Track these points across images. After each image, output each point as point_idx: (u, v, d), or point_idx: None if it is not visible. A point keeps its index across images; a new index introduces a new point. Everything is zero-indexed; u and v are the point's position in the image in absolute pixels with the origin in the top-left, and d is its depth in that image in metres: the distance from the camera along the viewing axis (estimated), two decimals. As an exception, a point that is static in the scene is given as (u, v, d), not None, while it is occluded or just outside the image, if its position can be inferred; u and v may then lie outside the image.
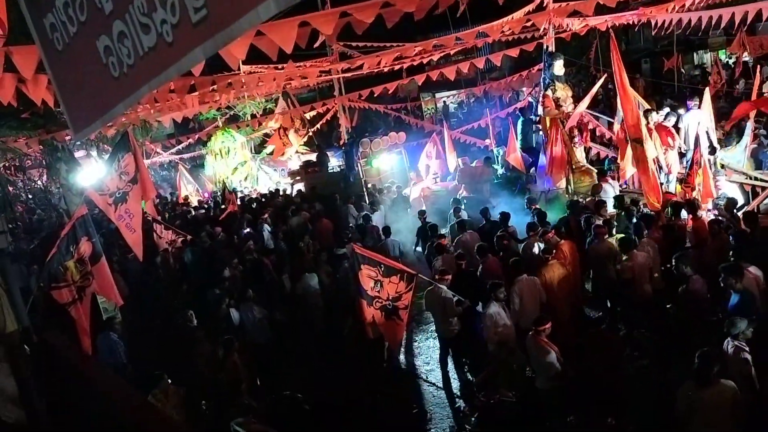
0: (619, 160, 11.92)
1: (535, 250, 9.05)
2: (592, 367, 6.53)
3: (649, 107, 12.09)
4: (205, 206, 19.03)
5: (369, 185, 16.51)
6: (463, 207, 12.05)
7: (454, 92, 31.23)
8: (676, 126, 11.75)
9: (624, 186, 12.48)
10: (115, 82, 2.33)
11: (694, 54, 29.63)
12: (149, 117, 17.37)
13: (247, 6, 1.58)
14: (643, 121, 10.07)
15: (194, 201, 21.02)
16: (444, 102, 34.13)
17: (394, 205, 14.77)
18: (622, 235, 8.67)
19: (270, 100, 26.16)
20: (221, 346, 7.83)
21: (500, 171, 15.94)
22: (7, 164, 17.07)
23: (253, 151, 25.00)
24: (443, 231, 11.45)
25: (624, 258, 8.06)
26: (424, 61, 18.33)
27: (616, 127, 11.97)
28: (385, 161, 18.25)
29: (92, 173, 15.92)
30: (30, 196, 25.19)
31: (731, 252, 7.42)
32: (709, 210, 9.94)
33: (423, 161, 17.46)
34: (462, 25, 18.33)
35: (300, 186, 18.90)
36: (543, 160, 13.65)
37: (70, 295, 7.66)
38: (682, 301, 7.18)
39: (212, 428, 7.34)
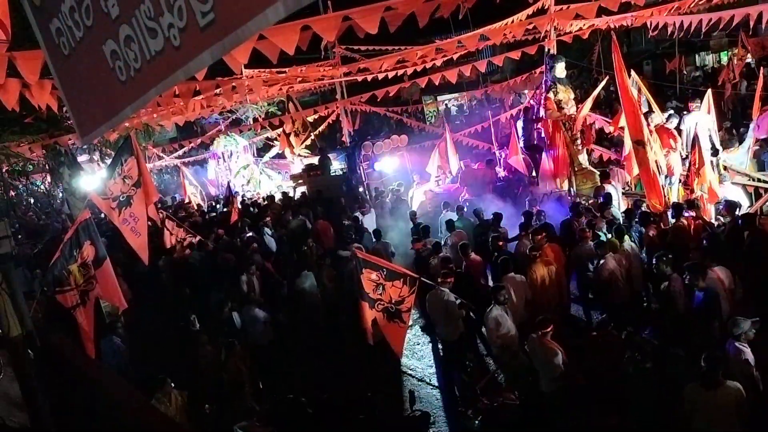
0: (622, 161, 11.94)
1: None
2: (593, 369, 6.56)
3: (653, 109, 12.10)
4: (206, 209, 19.11)
5: (360, 188, 16.52)
6: (449, 209, 12.33)
7: (456, 95, 31.24)
8: (677, 128, 11.74)
9: (626, 189, 12.47)
10: (122, 86, 2.33)
11: (696, 56, 29.62)
12: (152, 121, 17.39)
13: (256, 9, 1.58)
14: (644, 123, 10.09)
15: (195, 203, 21.10)
16: (446, 105, 34.15)
17: (396, 207, 14.80)
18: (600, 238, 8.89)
19: (272, 103, 26.21)
20: (223, 349, 7.85)
21: (502, 173, 15.93)
22: (10, 168, 17.07)
23: (255, 154, 25.07)
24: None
25: (601, 261, 8.26)
26: (427, 65, 18.34)
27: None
28: (387, 164, 18.26)
29: (95, 178, 15.95)
30: (32, 201, 25.23)
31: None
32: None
33: (434, 162, 17.46)
34: (463, 27, 18.34)
35: (302, 189, 18.93)
36: (546, 161, 13.64)
37: (74, 299, 7.68)
38: (663, 300, 7.47)
39: (215, 431, 7.34)
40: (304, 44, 7.20)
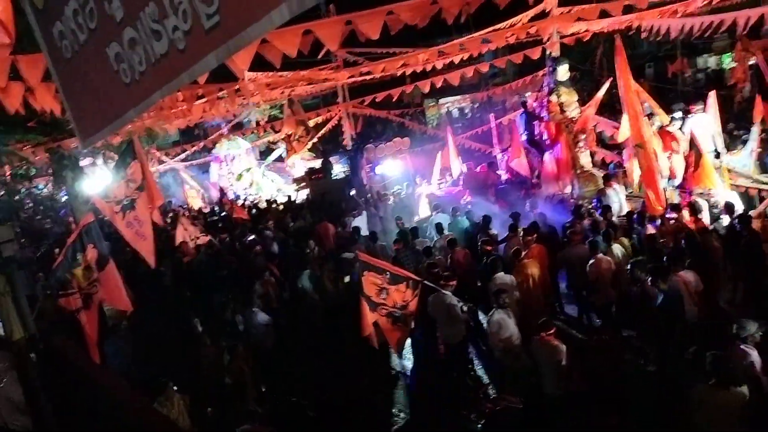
0: (625, 163, 11.92)
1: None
2: (594, 371, 6.58)
3: (655, 112, 12.08)
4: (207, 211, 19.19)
5: (354, 191, 16.55)
6: (440, 211, 12.59)
7: (457, 97, 31.22)
8: (680, 129, 11.71)
9: (630, 191, 12.45)
10: (126, 89, 2.33)
11: (698, 58, 29.57)
12: (154, 125, 17.42)
13: (261, 12, 1.58)
14: (646, 124, 10.13)
15: (196, 205, 21.17)
16: (447, 108, 34.14)
17: (398, 209, 14.80)
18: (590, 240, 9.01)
19: (274, 107, 26.24)
20: (226, 352, 7.84)
21: (504, 176, 15.92)
22: (13, 172, 17.14)
23: (258, 157, 25.11)
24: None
25: (590, 262, 8.44)
26: (428, 68, 18.34)
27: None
28: (389, 167, 18.27)
29: (98, 181, 16.00)
30: (32, 204, 25.27)
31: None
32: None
33: (438, 166, 17.47)
34: (465, 29, 18.31)
35: (305, 192, 18.97)
36: (548, 164, 13.62)
37: (77, 302, 7.67)
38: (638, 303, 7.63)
39: (218, 434, 7.34)
40: (306, 48, 7.18)
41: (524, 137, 14.79)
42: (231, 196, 22.02)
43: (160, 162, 25.73)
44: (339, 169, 20.10)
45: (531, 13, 14.72)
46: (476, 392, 7.88)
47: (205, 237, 13.19)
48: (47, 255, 13.10)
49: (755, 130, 11.58)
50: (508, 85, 23.28)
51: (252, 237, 13.22)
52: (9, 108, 7.52)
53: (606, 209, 10.31)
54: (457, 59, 16.89)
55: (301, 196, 19.31)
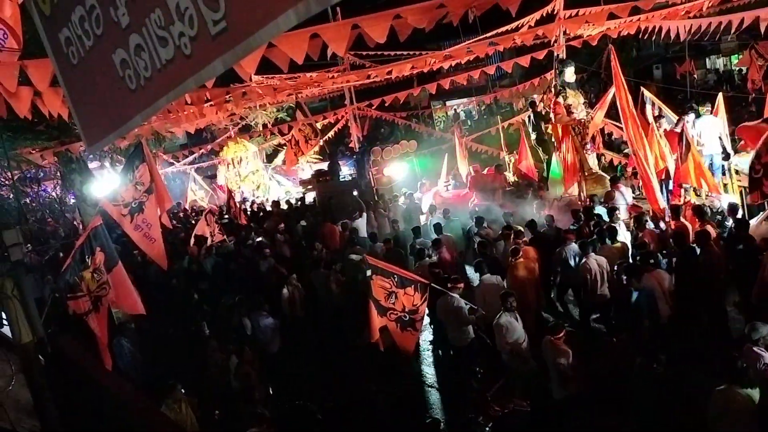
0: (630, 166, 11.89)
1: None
2: (602, 373, 6.56)
3: (663, 114, 12.03)
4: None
5: (355, 192, 16.51)
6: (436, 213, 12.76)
7: (464, 100, 31.18)
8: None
9: (637, 194, 12.39)
10: (132, 95, 2.33)
11: (707, 59, 29.43)
12: (161, 129, 17.47)
13: (267, 17, 1.57)
14: (652, 131, 10.21)
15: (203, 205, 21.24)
16: (455, 110, 34.10)
17: (404, 211, 14.78)
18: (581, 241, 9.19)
19: (281, 109, 26.26)
20: (234, 355, 7.85)
21: (512, 179, 15.88)
22: (21, 175, 17.18)
23: (264, 160, 25.14)
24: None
25: (582, 260, 8.67)
26: (435, 67, 18.32)
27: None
28: (396, 169, 18.26)
29: (106, 184, 16.05)
30: (38, 207, 25.32)
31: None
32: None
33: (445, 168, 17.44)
34: (472, 32, 18.29)
35: (312, 195, 18.98)
36: (555, 166, 13.58)
37: (86, 305, 7.67)
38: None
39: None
40: (315, 53, 7.15)
41: (534, 137, 14.78)
42: (238, 198, 22.07)
43: (170, 164, 25.83)
44: (346, 171, 20.07)
45: (537, 15, 14.69)
46: (483, 395, 7.85)
47: (221, 236, 13.29)
48: (55, 258, 13.13)
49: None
50: (515, 87, 23.21)
51: (259, 239, 13.25)
52: (19, 112, 7.53)
53: (613, 211, 10.27)
54: (464, 61, 16.87)
55: (308, 198, 19.31)
